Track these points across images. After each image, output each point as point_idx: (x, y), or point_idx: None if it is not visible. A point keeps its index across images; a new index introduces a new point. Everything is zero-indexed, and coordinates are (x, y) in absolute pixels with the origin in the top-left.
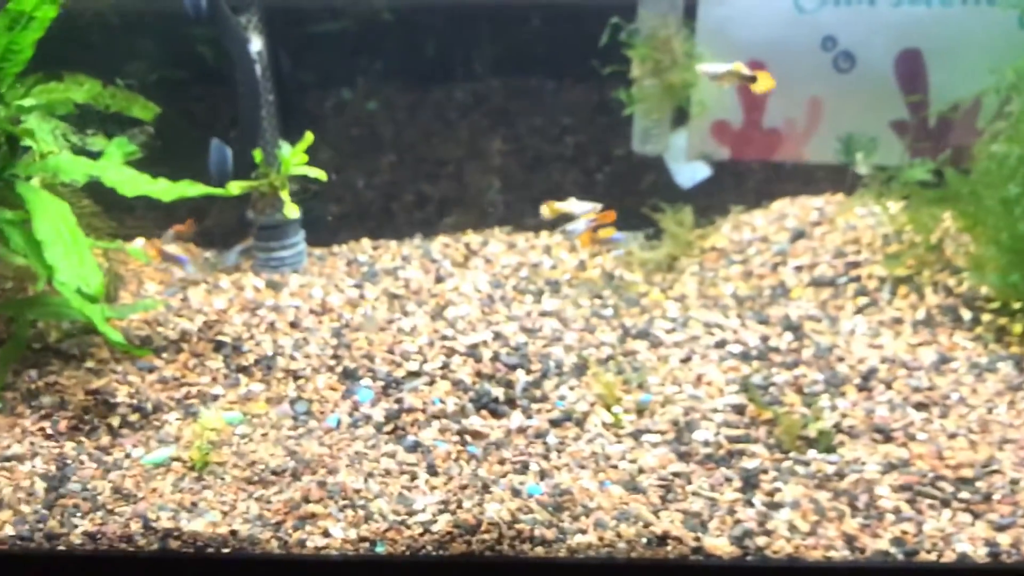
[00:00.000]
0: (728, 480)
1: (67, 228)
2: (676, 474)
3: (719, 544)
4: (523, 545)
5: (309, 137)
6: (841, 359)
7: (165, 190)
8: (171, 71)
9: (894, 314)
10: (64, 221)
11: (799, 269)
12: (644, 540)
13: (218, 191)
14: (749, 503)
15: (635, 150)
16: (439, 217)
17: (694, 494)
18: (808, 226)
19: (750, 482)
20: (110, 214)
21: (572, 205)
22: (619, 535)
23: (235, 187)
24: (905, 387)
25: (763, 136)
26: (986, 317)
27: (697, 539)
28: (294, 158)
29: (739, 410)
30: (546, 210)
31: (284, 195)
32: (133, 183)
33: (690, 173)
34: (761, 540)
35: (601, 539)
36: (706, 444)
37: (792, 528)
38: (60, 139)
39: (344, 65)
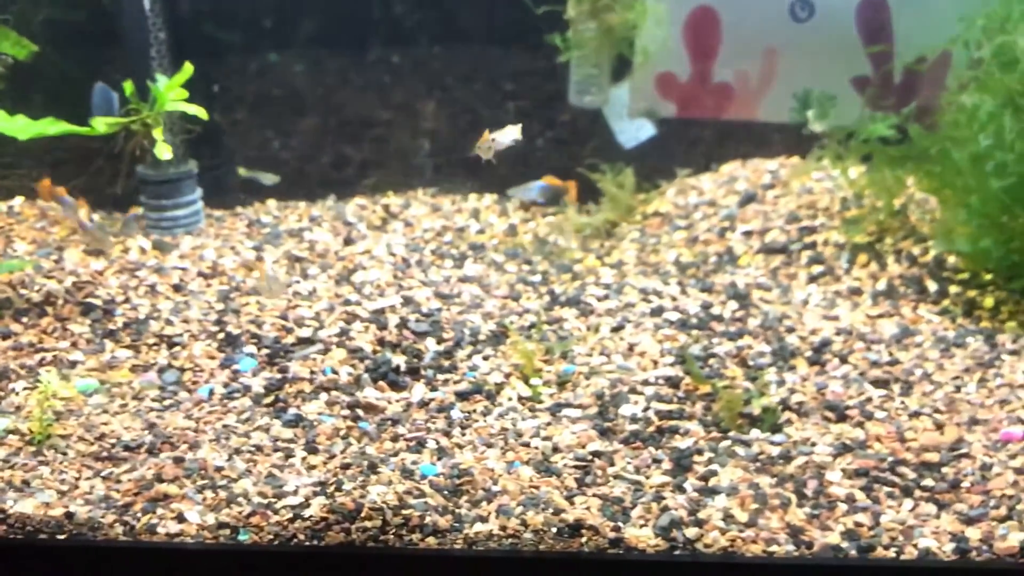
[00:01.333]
0: (656, 462)
1: None
2: (596, 454)
3: (642, 535)
4: (411, 535)
5: (188, 68)
6: (791, 330)
7: (22, 127)
8: (62, 12)
9: (852, 284)
10: None
11: (748, 235)
12: (554, 529)
13: (82, 130)
14: (679, 488)
15: (571, 103)
16: (358, 179)
17: (616, 477)
18: (760, 190)
19: (681, 464)
20: None
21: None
22: (525, 524)
23: (101, 124)
24: (862, 361)
25: (712, 91)
26: (954, 289)
27: (616, 529)
28: (169, 91)
29: (673, 383)
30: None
31: (157, 134)
32: None
33: (632, 132)
34: (691, 531)
35: (504, 528)
36: (633, 420)
37: (728, 518)
38: None
39: (268, 26)
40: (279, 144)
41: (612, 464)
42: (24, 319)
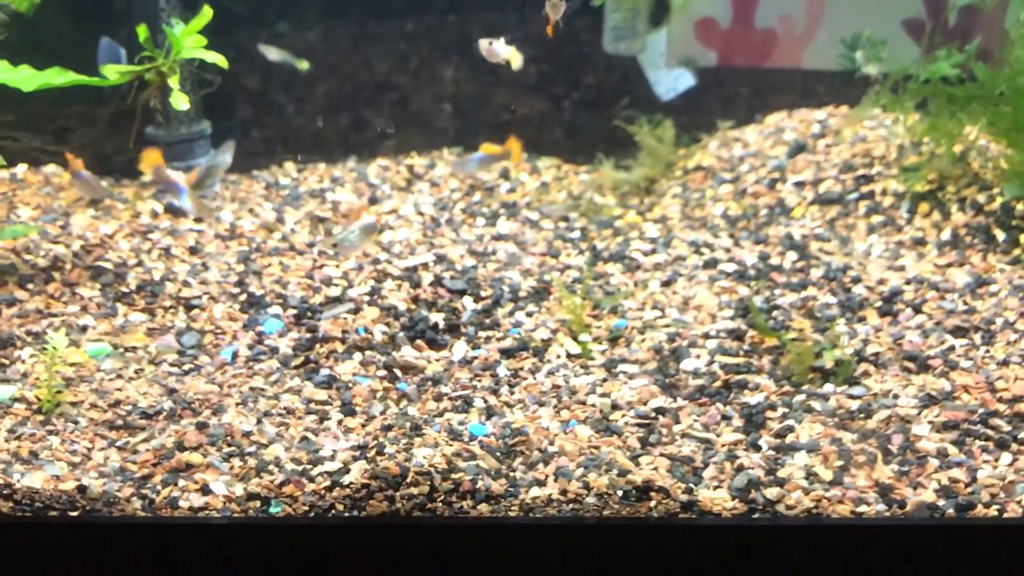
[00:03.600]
0: (726, 418)
1: None
2: (660, 411)
3: (717, 497)
4: (462, 501)
5: (207, 12)
6: (857, 281)
7: (27, 78)
8: None
9: (915, 234)
10: None
11: (801, 186)
12: (620, 492)
13: (92, 80)
14: (754, 446)
15: (607, 50)
16: (378, 141)
17: (683, 435)
18: (810, 139)
19: (753, 420)
20: None
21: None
22: (588, 487)
23: (112, 72)
24: (938, 311)
25: (755, 38)
26: None
27: (689, 491)
28: (186, 38)
29: (737, 336)
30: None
31: (173, 82)
32: None
33: (671, 82)
34: (772, 492)
35: (564, 492)
36: (697, 375)
37: (811, 476)
38: None
39: None
40: (294, 108)
41: (678, 421)
42: (29, 285)
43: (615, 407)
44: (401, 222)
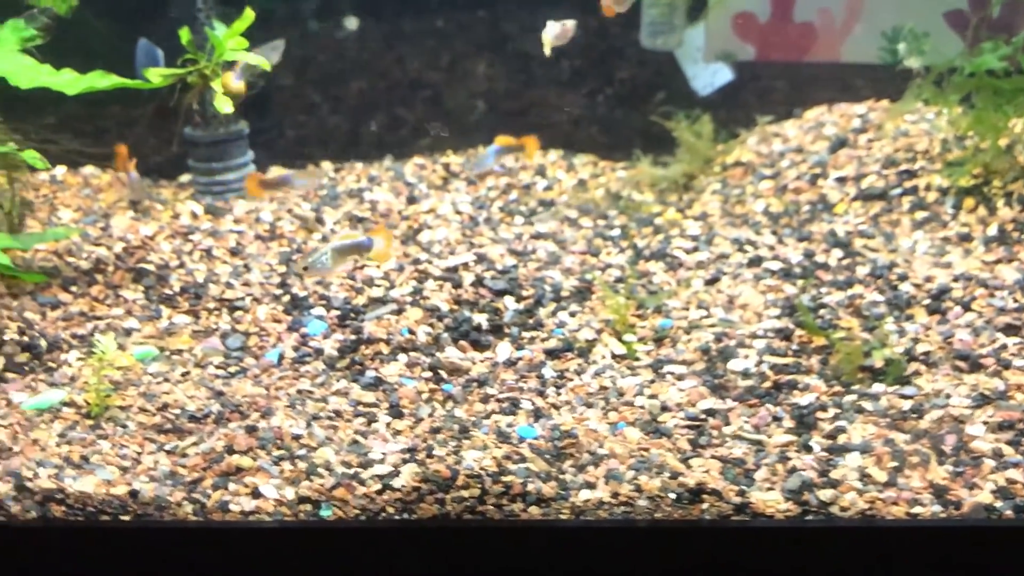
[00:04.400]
0: (776, 419)
1: None
2: (709, 412)
3: (770, 499)
4: (513, 504)
5: (249, 14)
6: (903, 278)
7: (70, 82)
8: None
9: (960, 230)
10: None
11: (843, 181)
12: (672, 495)
13: (135, 83)
14: (806, 447)
15: (644, 45)
16: (414, 139)
17: (734, 437)
18: (851, 134)
19: (804, 421)
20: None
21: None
22: (639, 489)
23: (155, 75)
24: (988, 308)
25: (794, 32)
26: None
27: (741, 493)
28: (229, 40)
29: (785, 335)
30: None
31: (216, 85)
32: (30, 73)
33: (708, 77)
34: (825, 493)
35: (615, 495)
36: (746, 375)
37: (865, 477)
38: None
39: None
40: (329, 108)
41: (727, 423)
42: (73, 288)
43: (664, 409)
44: (439, 221)
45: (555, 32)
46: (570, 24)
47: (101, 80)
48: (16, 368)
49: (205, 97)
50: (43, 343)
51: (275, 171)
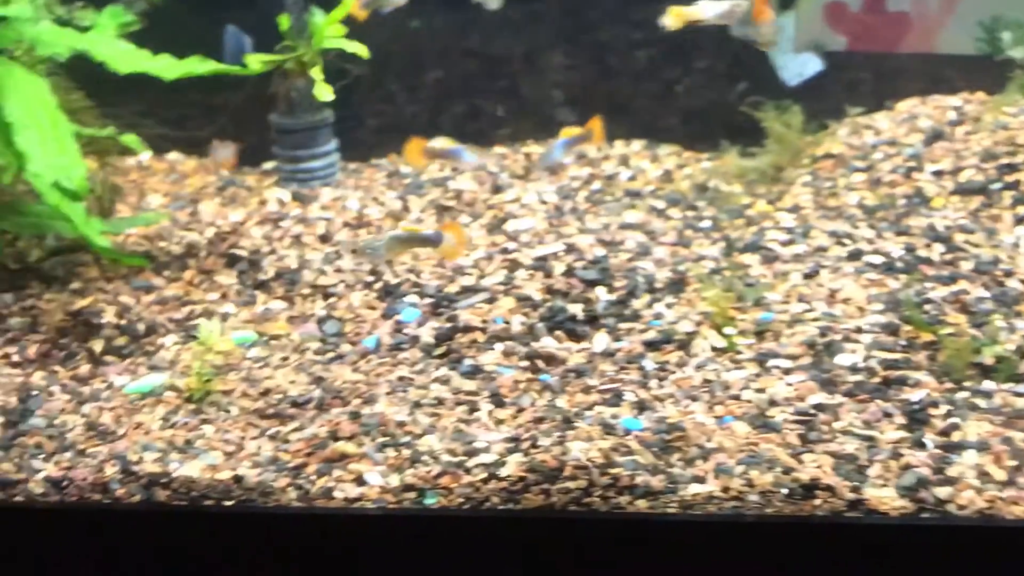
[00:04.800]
0: (887, 415)
1: (44, 110)
2: (819, 407)
3: (884, 496)
4: (620, 497)
5: (347, 2)
6: (1010, 274)
7: (168, 67)
8: None
9: None
10: (41, 102)
11: (939, 175)
12: (784, 490)
13: (234, 69)
14: (919, 444)
15: (733, 34)
16: (493, 129)
17: (845, 432)
18: (946, 127)
19: (916, 418)
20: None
21: (704, 8)
22: (751, 484)
23: (254, 61)
24: None
25: (888, 21)
26: None
27: (855, 489)
28: (328, 27)
29: (891, 330)
30: (672, 18)
31: (316, 73)
32: (129, 58)
33: (797, 67)
34: (942, 491)
35: (726, 489)
36: (854, 370)
37: (983, 475)
38: (42, 10)
39: None
40: (406, 97)
41: (837, 418)
42: (166, 272)
43: (772, 403)
44: (525, 211)
45: (719, 10)
46: (743, 5)
47: (199, 66)
48: (115, 351)
49: (292, 84)
50: (141, 327)
51: (441, 141)
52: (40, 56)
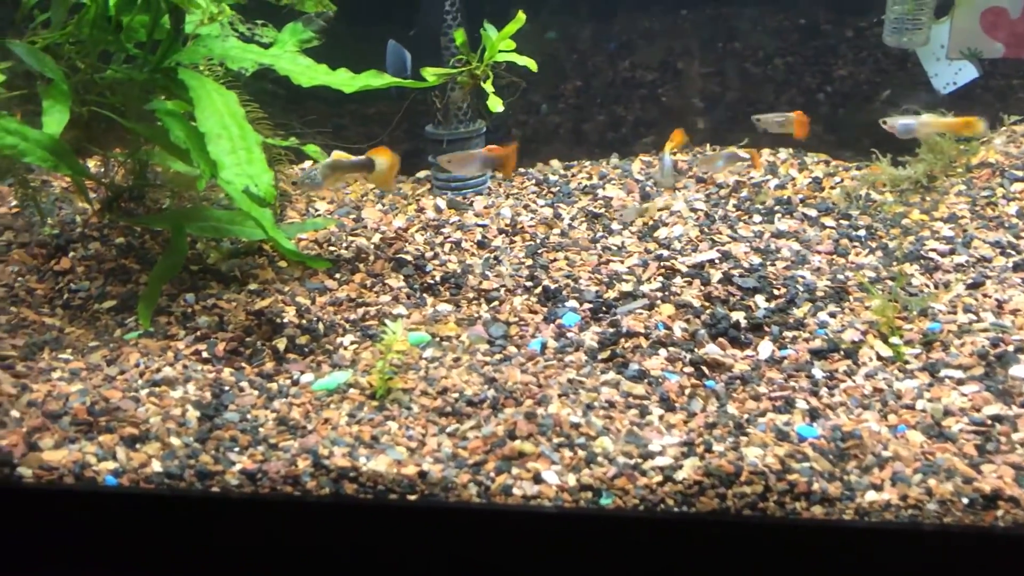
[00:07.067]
0: None
1: (234, 121)
2: (996, 418)
3: None
4: (795, 503)
5: (521, 17)
6: None
7: (346, 81)
8: None
9: None
10: (231, 113)
11: None
12: (965, 500)
13: (410, 82)
14: None
15: (886, 42)
16: (635, 138)
17: (1023, 444)
18: None
19: None
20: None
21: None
22: (930, 493)
23: (430, 74)
24: None
25: None
26: None
27: None
28: (501, 41)
29: None
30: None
31: (488, 86)
32: (309, 72)
33: (950, 75)
34: None
35: (904, 498)
36: None
37: None
38: (228, 27)
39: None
40: (548, 107)
41: (1015, 430)
42: (336, 275)
43: (947, 413)
44: (675, 218)
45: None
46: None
47: (375, 79)
48: (297, 349)
49: (447, 95)
50: (320, 327)
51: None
52: (219, 70)
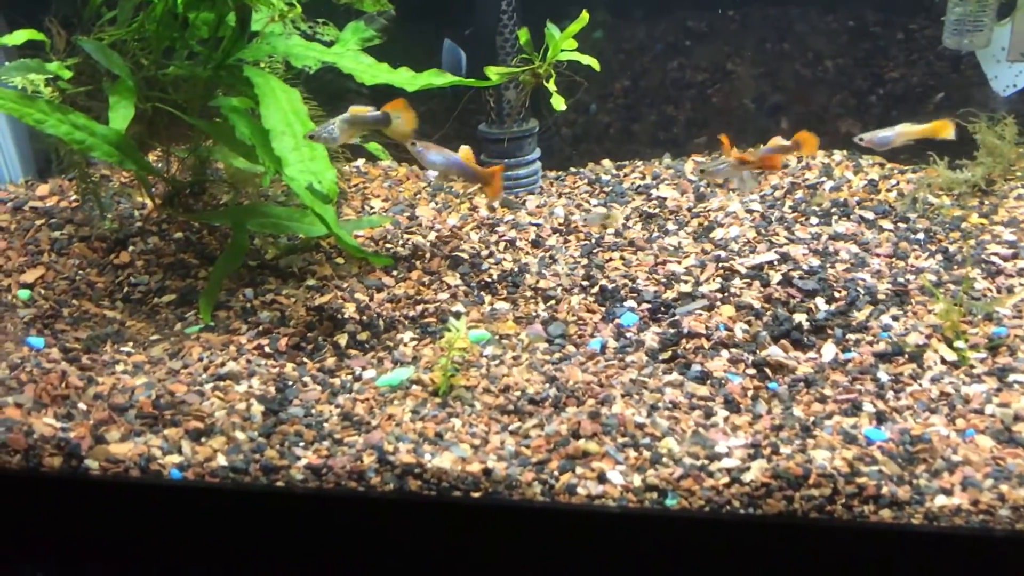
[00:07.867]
0: None
1: (297, 118)
2: None
3: None
4: (864, 506)
5: (584, 16)
6: None
7: (408, 79)
8: None
9: None
10: (294, 110)
11: None
12: None
13: (472, 81)
14: None
15: (946, 44)
16: (687, 138)
17: None
18: None
19: None
20: None
21: None
22: (1002, 498)
23: (493, 73)
24: None
25: None
26: None
27: None
28: (564, 41)
29: None
30: None
31: (551, 86)
32: (372, 71)
33: (1011, 78)
34: None
35: (975, 503)
36: None
37: None
38: (290, 25)
39: None
40: (597, 107)
41: None
42: (393, 272)
43: (1017, 418)
44: (731, 219)
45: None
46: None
47: (437, 78)
48: (357, 345)
49: (501, 95)
50: (380, 323)
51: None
52: (279, 68)
